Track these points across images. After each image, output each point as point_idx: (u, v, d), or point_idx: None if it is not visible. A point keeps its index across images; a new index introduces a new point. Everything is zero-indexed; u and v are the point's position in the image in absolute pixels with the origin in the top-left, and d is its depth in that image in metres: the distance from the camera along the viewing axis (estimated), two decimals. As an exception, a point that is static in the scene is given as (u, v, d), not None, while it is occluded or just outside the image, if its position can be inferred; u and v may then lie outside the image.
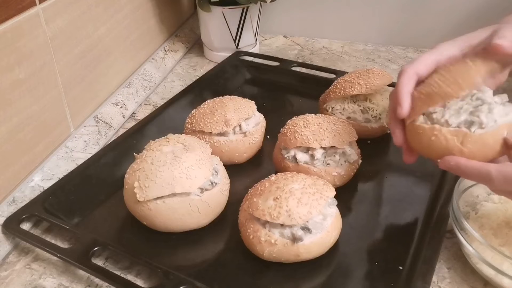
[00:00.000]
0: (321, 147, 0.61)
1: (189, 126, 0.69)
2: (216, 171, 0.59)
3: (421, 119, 0.51)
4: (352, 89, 0.70)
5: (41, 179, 0.64)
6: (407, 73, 0.52)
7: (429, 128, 0.49)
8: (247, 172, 0.68)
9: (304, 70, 0.90)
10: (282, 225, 0.51)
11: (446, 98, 0.50)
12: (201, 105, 0.71)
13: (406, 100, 0.51)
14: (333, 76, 0.84)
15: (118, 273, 0.52)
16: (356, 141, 0.65)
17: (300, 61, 0.97)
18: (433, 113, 0.50)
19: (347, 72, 0.78)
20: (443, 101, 0.50)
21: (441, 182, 0.63)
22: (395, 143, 0.54)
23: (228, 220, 0.60)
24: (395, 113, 0.53)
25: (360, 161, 0.65)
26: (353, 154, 0.63)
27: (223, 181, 0.59)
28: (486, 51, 0.50)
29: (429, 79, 0.52)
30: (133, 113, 0.84)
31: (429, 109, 0.50)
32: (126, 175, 0.58)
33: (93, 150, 0.71)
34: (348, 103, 0.71)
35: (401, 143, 0.54)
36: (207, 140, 0.66)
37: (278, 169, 0.65)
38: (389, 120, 0.55)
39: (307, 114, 0.66)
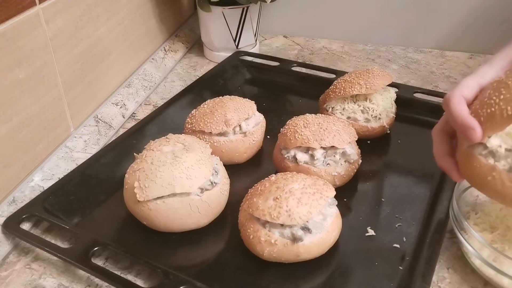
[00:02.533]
0: (321, 147, 0.61)
1: (189, 126, 0.69)
2: (216, 171, 0.59)
3: (479, 149, 0.45)
4: (352, 89, 0.70)
5: (41, 179, 0.64)
6: (456, 97, 0.46)
7: (489, 167, 0.44)
8: (247, 172, 0.68)
9: (304, 70, 0.90)
10: (282, 225, 0.51)
11: (510, 122, 0.43)
12: (201, 105, 0.71)
13: (474, 121, 0.44)
14: (333, 76, 0.85)
15: (118, 273, 0.52)
16: (356, 141, 0.65)
17: (300, 61, 0.98)
18: (498, 148, 0.44)
19: (347, 72, 0.78)
20: (507, 125, 0.43)
21: (441, 182, 0.63)
22: (454, 180, 0.50)
23: (228, 220, 0.60)
24: (443, 148, 0.49)
25: (360, 161, 0.65)
26: (353, 154, 0.63)
27: (223, 181, 0.59)
28: None
29: (484, 97, 0.46)
30: (133, 113, 0.84)
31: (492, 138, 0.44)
32: (126, 175, 0.58)
33: (93, 150, 0.71)
34: (348, 103, 0.71)
35: (460, 180, 0.50)
36: (207, 140, 0.66)
37: (278, 169, 0.65)
38: (438, 159, 0.51)
39: (307, 114, 0.66)
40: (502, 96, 0.43)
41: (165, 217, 0.55)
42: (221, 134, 0.67)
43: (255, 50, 1.02)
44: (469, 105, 0.47)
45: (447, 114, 0.47)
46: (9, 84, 0.58)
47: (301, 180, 0.54)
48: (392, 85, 0.75)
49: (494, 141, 0.44)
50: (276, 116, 0.76)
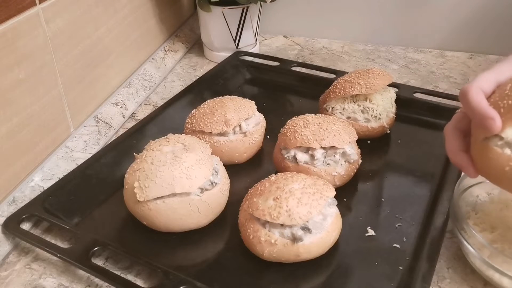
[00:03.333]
0: (321, 147, 0.61)
1: (189, 126, 0.69)
2: (216, 171, 0.59)
3: (495, 141, 0.44)
4: (352, 89, 0.70)
5: (41, 179, 0.64)
6: (474, 89, 0.45)
7: (505, 158, 0.43)
8: (247, 172, 0.68)
9: (304, 70, 0.90)
10: (282, 225, 0.51)
11: None
12: (201, 105, 0.71)
13: (493, 111, 0.43)
14: (333, 76, 0.85)
15: (118, 273, 0.52)
16: (356, 141, 0.65)
17: (300, 61, 0.97)
18: None
19: (347, 72, 0.78)
20: None
21: (441, 182, 0.63)
22: (470, 176, 0.49)
23: (228, 220, 0.60)
24: (456, 145, 0.48)
25: (360, 161, 0.65)
26: (353, 154, 0.63)
27: (223, 181, 0.59)
28: None
29: (504, 90, 0.45)
30: (133, 113, 0.84)
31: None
32: (126, 175, 0.58)
33: (93, 150, 0.71)
34: (348, 103, 0.71)
35: (476, 175, 0.48)
36: (207, 140, 0.66)
37: (278, 169, 0.65)
38: (452, 156, 0.49)
39: (307, 114, 0.66)
40: None
41: (165, 217, 0.55)
42: (221, 134, 0.67)
43: (255, 50, 1.02)
44: (487, 98, 0.46)
45: (464, 105, 0.46)
46: (9, 84, 0.58)
47: (301, 180, 0.54)
48: (392, 85, 0.75)
49: (510, 132, 0.43)
50: (276, 116, 0.76)
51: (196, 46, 1.08)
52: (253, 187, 0.56)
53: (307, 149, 0.62)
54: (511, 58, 0.49)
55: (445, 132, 0.51)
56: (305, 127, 0.63)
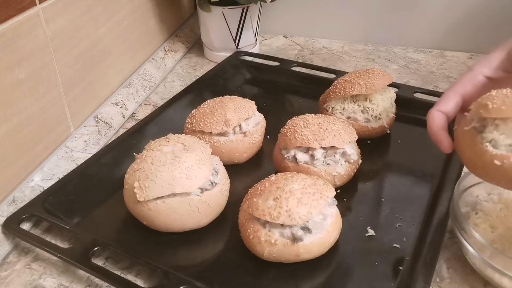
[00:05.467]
0: (321, 147, 0.61)
1: (189, 126, 0.69)
2: (216, 171, 0.59)
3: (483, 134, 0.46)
4: (352, 89, 0.70)
5: (41, 179, 0.64)
6: (432, 115, 0.53)
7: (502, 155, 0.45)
8: (247, 172, 0.68)
9: (304, 70, 0.90)
10: (282, 225, 0.51)
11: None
12: (201, 105, 0.71)
13: (443, 136, 0.52)
14: (333, 76, 0.84)
15: (118, 273, 0.52)
16: (356, 141, 0.65)
17: (300, 61, 0.97)
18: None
19: (347, 72, 0.78)
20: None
21: (441, 182, 0.63)
22: (445, 150, 0.52)
23: (228, 220, 0.60)
24: (442, 121, 0.52)
25: (360, 161, 0.65)
26: (353, 154, 0.63)
27: (223, 181, 0.59)
28: None
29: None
30: (133, 113, 0.84)
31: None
32: (126, 175, 0.58)
33: (93, 150, 0.71)
34: (348, 103, 0.71)
35: (450, 150, 0.52)
36: (207, 140, 0.66)
37: (278, 169, 0.65)
38: (437, 133, 0.53)
39: (307, 114, 0.66)
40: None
41: (165, 217, 0.55)
42: (221, 134, 0.67)
43: (255, 50, 1.02)
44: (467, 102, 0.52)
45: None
46: (9, 84, 0.58)
47: (301, 180, 0.54)
48: (392, 85, 0.75)
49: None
50: (276, 116, 0.76)
51: (196, 46, 1.08)
52: (253, 187, 0.56)
53: (307, 149, 0.62)
54: (471, 69, 0.56)
55: (430, 114, 0.54)
56: (305, 127, 0.63)
